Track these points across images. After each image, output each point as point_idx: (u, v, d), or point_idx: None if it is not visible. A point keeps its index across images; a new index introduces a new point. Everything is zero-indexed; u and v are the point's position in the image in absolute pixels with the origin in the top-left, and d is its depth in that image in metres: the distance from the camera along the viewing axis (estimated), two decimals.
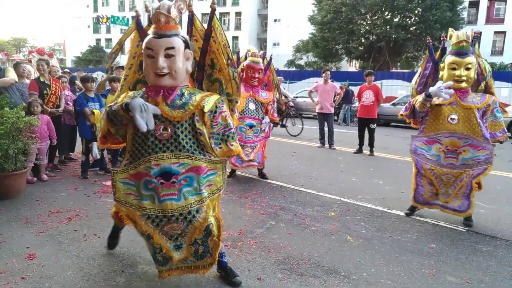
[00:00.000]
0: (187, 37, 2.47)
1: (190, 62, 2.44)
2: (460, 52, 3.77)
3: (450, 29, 4.12)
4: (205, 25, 2.59)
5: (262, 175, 5.86)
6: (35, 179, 5.18)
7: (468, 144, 3.80)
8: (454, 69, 3.78)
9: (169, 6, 2.32)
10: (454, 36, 3.84)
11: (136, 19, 2.70)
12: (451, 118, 3.84)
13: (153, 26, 2.36)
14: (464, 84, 3.78)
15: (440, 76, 3.98)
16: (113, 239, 3.17)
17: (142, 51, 2.38)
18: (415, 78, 4.30)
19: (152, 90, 2.36)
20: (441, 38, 4.16)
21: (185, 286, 2.69)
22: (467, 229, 3.99)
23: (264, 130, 5.60)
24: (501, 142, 3.92)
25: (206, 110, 2.37)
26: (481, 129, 3.78)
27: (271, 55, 6.06)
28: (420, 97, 3.92)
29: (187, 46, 2.40)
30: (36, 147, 4.91)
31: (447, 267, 3.14)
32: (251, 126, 5.41)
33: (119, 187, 2.44)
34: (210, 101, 2.42)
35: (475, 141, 3.79)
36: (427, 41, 4.29)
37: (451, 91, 3.74)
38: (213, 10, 2.54)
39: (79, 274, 2.79)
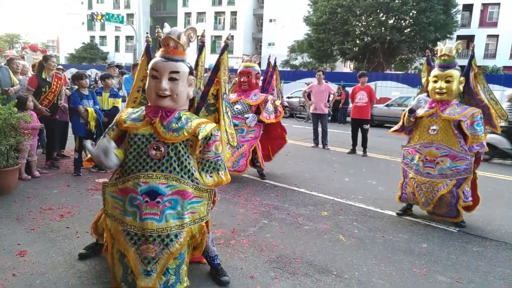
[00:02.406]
0: (192, 65, 2.58)
1: (192, 88, 2.54)
2: (442, 65, 3.93)
3: (438, 43, 4.29)
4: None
5: (261, 175, 5.82)
6: (29, 177, 5.14)
7: (446, 154, 3.90)
8: (435, 81, 3.95)
9: (179, 32, 2.43)
10: (439, 49, 3.99)
11: (147, 45, 2.89)
12: (432, 129, 3.97)
13: (161, 49, 2.46)
14: (444, 96, 3.92)
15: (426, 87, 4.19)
16: (88, 250, 3.07)
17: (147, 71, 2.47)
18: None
19: (151, 110, 2.43)
20: (426, 53, 4.32)
21: None
22: (458, 230, 4.03)
23: (252, 130, 5.44)
24: (479, 154, 3.98)
25: (200, 137, 2.42)
26: (458, 140, 3.87)
27: (275, 58, 5.97)
28: (405, 113, 4.13)
29: (191, 72, 2.50)
30: (29, 143, 4.88)
31: (438, 266, 3.17)
32: (233, 125, 5.33)
33: (108, 200, 2.49)
34: (207, 128, 2.46)
35: (452, 152, 3.88)
36: (427, 53, 4.41)
37: (428, 99, 4.00)
38: (226, 45, 2.74)
39: (71, 271, 2.78)
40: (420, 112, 4.07)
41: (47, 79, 5.52)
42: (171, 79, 2.38)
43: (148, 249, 2.35)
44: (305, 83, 18.16)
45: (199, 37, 2.65)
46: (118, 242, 2.44)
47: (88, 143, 2.45)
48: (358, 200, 4.92)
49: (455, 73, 3.88)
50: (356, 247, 3.48)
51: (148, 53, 2.86)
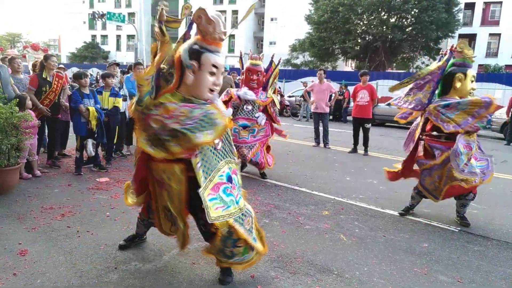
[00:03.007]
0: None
1: None
2: (471, 65, 3.97)
3: (461, 40, 4.20)
4: None
5: (262, 174, 5.82)
6: (30, 175, 5.14)
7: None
8: (472, 81, 3.93)
9: (225, 23, 2.44)
10: (470, 50, 3.96)
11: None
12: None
13: (212, 43, 2.42)
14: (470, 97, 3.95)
15: (453, 86, 3.96)
16: (128, 242, 3.20)
17: (198, 65, 2.39)
18: (427, 95, 4.08)
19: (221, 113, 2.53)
20: (451, 49, 4.06)
21: (178, 283, 2.69)
22: (459, 229, 4.02)
23: (262, 128, 5.51)
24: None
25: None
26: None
27: (280, 59, 6.00)
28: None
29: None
30: (30, 143, 4.88)
31: (439, 266, 3.16)
32: (244, 127, 5.38)
33: (209, 206, 2.40)
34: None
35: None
36: (444, 52, 4.18)
37: None
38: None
39: (72, 271, 2.78)
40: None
41: (48, 79, 5.52)
42: (222, 74, 2.52)
43: (248, 222, 2.65)
44: (301, 82, 18.22)
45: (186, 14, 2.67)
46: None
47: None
48: (359, 200, 4.92)
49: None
50: (357, 246, 3.48)
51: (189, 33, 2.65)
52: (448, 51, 4.04)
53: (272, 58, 5.76)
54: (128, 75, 7.09)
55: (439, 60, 4.11)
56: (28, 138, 4.71)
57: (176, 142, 2.32)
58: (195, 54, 2.40)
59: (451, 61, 4.02)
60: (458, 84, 3.92)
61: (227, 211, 2.46)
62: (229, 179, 2.55)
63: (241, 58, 5.97)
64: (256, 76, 5.39)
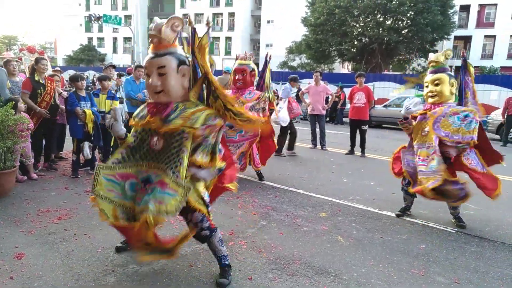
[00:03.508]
0: (183, 54, 2.57)
1: (187, 78, 2.55)
2: (431, 71, 4.11)
3: (429, 54, 4.35)
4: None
5: (259, 176, 5.80)
6: (25, 177, 5.12)
7: (433, 152, 3.89)
8: (427, 87, 4.09)
9: (159, 25, 2.45)
10: (429, 58, 4.17)
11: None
12: (424, 131, 4.01)
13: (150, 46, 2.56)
14: (436, 99, 4.01)
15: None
16: (125, 244, 3.16)
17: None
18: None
19: (151, 106, 2.58)
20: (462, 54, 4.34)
21: (175, 286, 2.68)
22: (456, 230, 4.03)
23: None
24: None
25: (197, 125, 2.42)
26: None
27: (270, 55, 5.93)
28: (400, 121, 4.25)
29: (182, 63, 2.51)
30: (21, 146, 4.83)
31: (436, 267, 3.17)
32: (230, 127, 5.30)
33: (102, 182, 2.54)
34: (202, 116, 2.45)
35: (436, 147, 3.89)
36: (462, 54, 4.37)
37: (417, 99, 4.08)
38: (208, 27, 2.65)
39: (69, 274, 2.77)
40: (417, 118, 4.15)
41: (41, 81, 5.50)
42: (160, 75, 2.46)
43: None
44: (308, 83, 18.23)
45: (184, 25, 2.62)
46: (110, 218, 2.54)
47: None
48: (356, 201, 4.92)
49: (443, 76, 3.98)
50: (355, 248, 3.48)
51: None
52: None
53: (266, 57, 5.79)
54: (129, 77, 7.09)
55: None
56: (24, 141, 4.69)
57: None
58: None
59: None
60: None
61: (121, 200, 2.52)
62: (145, 181, 2.48)
63: (236, 60, 5.95)
64: (241, 75, 5.34)
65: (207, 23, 2.59)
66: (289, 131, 7.96)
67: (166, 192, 2.36)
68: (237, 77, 5.36)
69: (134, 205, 2.46)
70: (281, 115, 7.16)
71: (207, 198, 2.65)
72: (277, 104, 7.17)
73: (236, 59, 5.73)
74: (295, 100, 8.22)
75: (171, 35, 2.48)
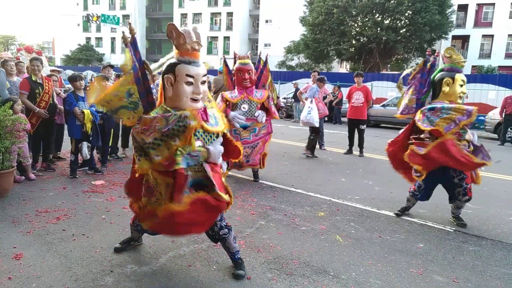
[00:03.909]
0: None
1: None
2: (460, 71, 4.02)
3: (449, 47, 4.23)
4: None
5: (254, 176, 5.79)
6: (23, 177, 5.11)
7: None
8: (461, 85, 3.97)
9: (199, 34, 2.52)
10: (458, 55, 4.03)
11: (132, 39, 2.70)
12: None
13: (186, 54, 2.50)
14: (461, 101, 4.02)
15: (443, 90, 4.00)
16: (123, 245, 3.21)
17: (174, 77, 2.50)
18: (413, 100, 4.20)
19: (199, 114, 2.52)
20: (435, 54, 4.22)
21: (174, 286, 2.68)
22: (454, 229, 4.04)
23: (264, 126, 5.45)
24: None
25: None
26: None
27: (267, 55, 6.00)
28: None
29: None
30: (19, 146, 4.81)
31: (435, 266, 3.18)
32: (244, 127, 5.34)
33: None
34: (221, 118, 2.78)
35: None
36: (427, 52, 4.32)
37: None
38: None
39: (67, 274, 2.76)
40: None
41: (38, 81, 5.48)
42: (203, 82, 2.56)
43: None
44: (292, 83, 18.30)
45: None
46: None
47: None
48: (354, 201, 4.93)
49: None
50: (353, 247, 3.49)
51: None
52: (428, 56, 4.16)
53: (259, 55, 5.81)
54: None
55: (424, 65, 4.18)
56: (22, 141, 4.68)
57: (156, 153, 2.39)
58: (171, 67, 2.53)
59: (440, 67, 4.12)
60: (446, 89, 3.97)
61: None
62: (195, 185, 2.58)
63: (234, 59, 5.94)
64: (247, 75, 5.34)
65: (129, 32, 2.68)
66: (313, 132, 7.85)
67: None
68: (245, 77, 5.34)
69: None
70: (312, 116, 7.17)
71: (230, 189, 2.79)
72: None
73: (235, 58, 5.72)
74: (321, 100, 8.09)
75: None
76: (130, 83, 2.68)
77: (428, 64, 4.12)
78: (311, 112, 7.40)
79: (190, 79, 2.49)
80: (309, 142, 7.92)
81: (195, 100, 2.54)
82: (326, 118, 13.41)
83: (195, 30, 2.52)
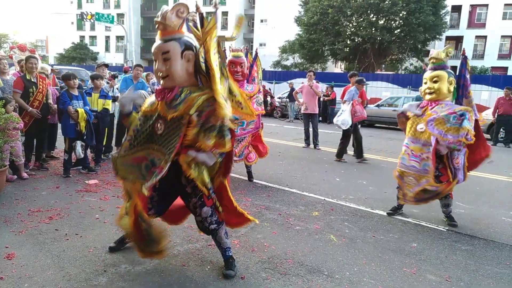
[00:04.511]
0: (188, 39, 2.58)
1: (191, 63, 2.56)
2: (430, 68, 4.09)
3: (430, 49, 4.35)
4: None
5: (249, 175, 5.79)
6: (15, 177, 5.07)
7: (429, 152, 3.90)
8: (425, 83, 4.09)
9: (165, 12, 2.49)
10: (429, 55, 4.14)
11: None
12: (420, 127, 4.03)
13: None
14: (434, 96, 4.02)
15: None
16: (118, 243, 3.20)
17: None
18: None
19: (158, 92, 2.61)
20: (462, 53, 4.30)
21: (168, 285, 2.67)
22: (447, 229, 4.07)
23: (252, 120, 5.36)
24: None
25: (191, 112, 2.45)
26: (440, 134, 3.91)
27: (257, 49, 6.03)
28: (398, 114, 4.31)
29: (187, 48, 2.53)
30: (11, 145, 4.77)
31: (428, 265, 3.20)
32: (235, 119, 5.29)
33: (121, 168, 2.73)
34: (198, 102, 2.45)
35: (437, 146, 3.88)
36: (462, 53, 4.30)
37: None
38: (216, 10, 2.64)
39: (60, 274, 2.74)
40: (410, 113, 4.20)
41: (32, 80, 5.41)
42: (165, 60, 2.51)
43: None
44: (287, 83, 18.35)
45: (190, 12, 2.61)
46: (134, 197, 2.66)
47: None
48: (349, 200, 4.95)
49: (442, 73, 3.97)
50: (347, 247, 3.50)
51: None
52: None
53: (256, 51, 5.83)
54: (127, 76, 7.03)
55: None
56: (14, 140, 4.64)
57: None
58: None
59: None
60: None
61: (140, 180, 2.60)
62: (152, 163, 2.60)
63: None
64: (240, 67, 5.29)
65: (215, 5, 2.60)
66: (351, 136, 7.67)
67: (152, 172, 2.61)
68: (236, 69, 5.27)
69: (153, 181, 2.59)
70: (342, 118, 7.09)
71: (210, 187, 2.67)
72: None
73: (230, 50, 5.69)
74: (360, 103, 7.84)
75: (176, 21, 2.52)
76: None
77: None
78: (341, 114, 7.24)
79: (153, 57, 2.60)
80: (338, 147, 7.73)
81: (161, 78, 2.58)
82: (320, 118, 13.51)
83: (166, 9, 2.52)
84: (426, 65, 4.36)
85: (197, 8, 2.60)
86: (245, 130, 5.38)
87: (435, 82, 3.98)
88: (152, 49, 2.59)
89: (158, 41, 2.57)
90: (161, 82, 2.59)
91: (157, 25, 2.55)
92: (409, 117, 4.21)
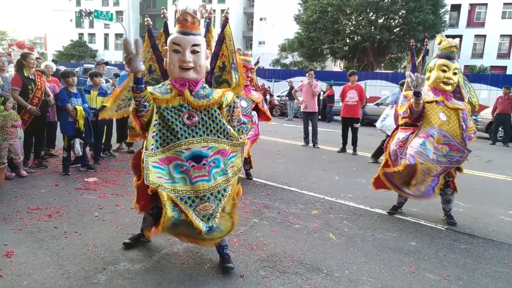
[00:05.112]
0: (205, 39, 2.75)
1: (208, 60, 2.75)
2: (450, 56, 3.94)
3: (439, 34, 4.23)
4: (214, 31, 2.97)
5: (247, 175, 5.80)
6: (13, 174, 5.06)
7: (447, 143, 3.90)
8: (444, 71, 3.90)
9: (195, 9, 2.58)
10: (445, 41, 3.97)
11: (148, 28, 2.97)
12: (441, 115, 3.92)
13: (179, 25, 2.61)
14: (450, 87, 3.93)
15: (426, 77, 4.04)
16: (133, 240, 3.21)
17: (166, 47, 2.63)
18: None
19: (178, 82, 2.60)
20: (424, 43, 4.31)
21: (167, 283, 2.67)
22: (446, 228, 4.08)
23: (252, 127, 5.44)
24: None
25: (224, 105, 2.67)
26: (462, 132, 3.89)
27: (258, 57, 6.07)
28: (411, 98, 3.86)
29: (206, 46, 2.70)
30: (9, 143, 4.75)
31: (426, 264, 3.20)
32: (242, 123, 5.32)
33: (152, 170, 2.51)
34: (228, 97, 2.72)
35: (453, 142, 3.89)
36: (411, 44, 4.45)
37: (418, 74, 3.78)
38: (226, 19, 2.94)
39: (59, 272, 2.74)
40: (427, 97, 3.96)
41: (30, 77, 5.38)
42: (194, 52, 2.56)
43: (205, 207, 2.58)
44: (286, 81, 18.35)
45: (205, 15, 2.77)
46: (168, 209, 2.49)
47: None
48: (348, 199, 4.95)
49: (459, 66, 3.97)
50: (346, 245, 3.50)
51: (151, 36, 2.97)
52: (413, 47, 4.42)
53: (258, 59, 5.86)
54: (124, 73, 7.03)
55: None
56: (13, 137, 4.63)
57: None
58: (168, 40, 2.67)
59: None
60: (427, 75, 4.05)
61: (171, 185, 2.53)
62: (194, 158, 2.55)
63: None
64: (250, 73, 5.30)
65: (225, 16, 2.94)
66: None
67: (231, 156, 2.70)
68: (247, 74, 5.20)
69: (186, 185, 2.55)
70: (388, 124, 6.84)
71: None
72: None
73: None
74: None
75: (200, 19, 2.64)
76: (151, 61, 2.96)
77: (420, 55, 4.28)
78: (385, 119, 6.99)
79: (177, 47, 2.54)
80: (377, 148, 7.50)
81: (184, 69, 2.57)
82: (320, 116, 13.51)
83: (193, 7, 2.59)
84: (417, 53, 4.31)
85: (210, 13, 2.80)
86: (247, 136, 5.38)
87: (455, 74, 3.91)
88: (178, 39, 2.55)
89: (183, 32, 2.56)
90: (183, 73, 2.57)
91: (186, 17, 2.55)
92: (425, 101, 3.90)
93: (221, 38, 2.91)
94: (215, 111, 2.63)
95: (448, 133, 3.90)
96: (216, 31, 3.00)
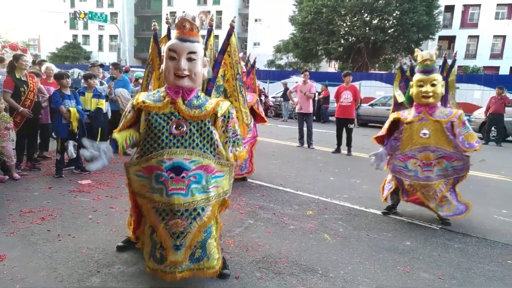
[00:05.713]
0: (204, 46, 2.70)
1: (206, 68, 2.65)
2: (425, 70, 3.99)
3: (416, 49, 4.33)
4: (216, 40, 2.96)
5: (242, 177, 5.77)
6: (7, 177, 5.01)
7: (441, 156, 3.95)
8: (421, 86, 3.98)
9: (193, 15, 2.54)
10: (419, 55, 4.06)
11: (154, 33, 3.02)
12: (423, 133, 3.98)
13: (177, 31, 2.53)
14: (431, 100, 3.97)
15: (410, 93, 4.16)
16: (126, 243, 3.19)
17: (163, 54, 2.57)
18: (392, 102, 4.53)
19: (172, 90, 2.52)
20: (409, 60, 4.40)
21: (162, 285, 2.66)
22: (440, 227, 4.10)
23: (249, 130, 5.44)
24: (475, 150, 4.06)
25: (219, 114, 2.55)
26: (451, 141, 3.93)
27: (255, 58, 6.05)
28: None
29: (204, 54, 2.63)
30: (1, 145, 4.71)
31: (421, 264, 3.21)
32: (237, 134, 5.30)
33: (134, 179, 2.55)
34: (223, 107, 2.61)
35: (447, 153, 3.94)
36: (399, 61, 4.52)
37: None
38: (232, 27, 2.89)
39: (52, 275, 2.72)
40: (409, 117, 4.07)
41: (22, 79, 5.33)
42: (189, 59, 2.47)
43: (177, 224, 2.43)
44: (281, 82, 18.39)
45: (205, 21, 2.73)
46: (148, 218, 2.53)
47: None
48: (343, 199, 4.96)
49: (439, 77, 3.98)
50: (341, 245, 3.51)
51: (156, 41, 3.03)
52: (401, 64, 4.45)
53: (248, 57, 5.84)
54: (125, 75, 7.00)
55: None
56: (5, 140, 4.59)
57: None
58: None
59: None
60: (412, 92, 4.11)
61: (150, 194, 2.46)
62: (174, 169, 2.38)
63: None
64: (245, 77, 5.33)
65: (231, 25, 2.91)
66: None
67: (217, 175, 2.53)
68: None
69: (162, 197, 2.39)
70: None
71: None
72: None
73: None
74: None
75: (199, 27, 2.58)
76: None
77: (407, 71, 4.35)
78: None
79: (173, 54, 2.46)
80: None
81: (178, 77, 2.47)
82: (314, 117, 13.53)
83: (192, 14, 2.55)
84: (411, 64, 4.34)
85: (210, 20, 2.73)
86: (244, 139, 5.37)
87: (433, 85, 3.91)
88: (174, 46, 2.47)
89: (180, 39, 2.49)
90: (178, 81, 2.48)
91: (184, 23, 2.48)
92: (406, 122, 4.05)
93: (225, 47, 2.89)
94: (204, 124, 2.49)
95: (436, 146, 3.94)
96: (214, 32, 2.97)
